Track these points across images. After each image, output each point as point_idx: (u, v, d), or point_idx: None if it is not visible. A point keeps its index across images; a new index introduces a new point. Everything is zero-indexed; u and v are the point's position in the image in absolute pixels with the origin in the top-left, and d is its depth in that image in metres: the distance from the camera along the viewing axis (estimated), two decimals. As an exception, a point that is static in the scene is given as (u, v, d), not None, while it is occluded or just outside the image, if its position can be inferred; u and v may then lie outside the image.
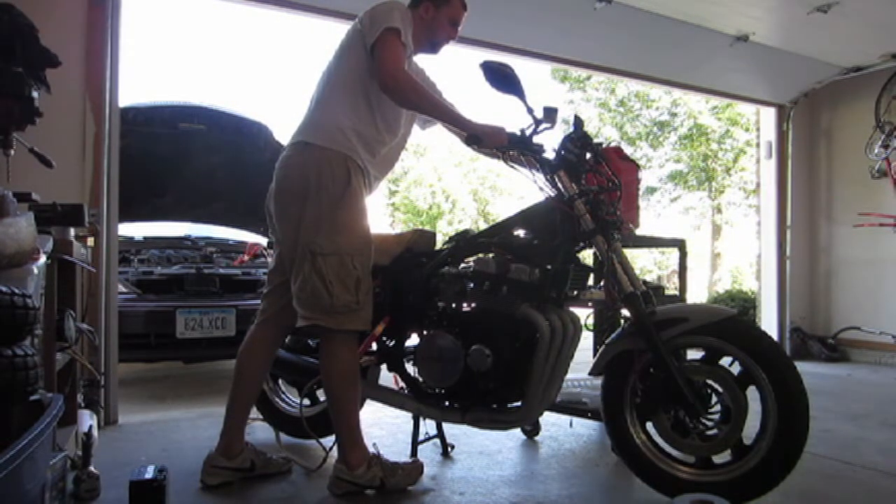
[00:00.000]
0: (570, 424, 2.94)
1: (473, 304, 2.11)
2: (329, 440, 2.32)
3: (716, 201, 15.43)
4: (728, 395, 1.85)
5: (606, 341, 2.04)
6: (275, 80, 33.56)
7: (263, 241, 4.65)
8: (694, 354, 1.99)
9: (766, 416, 1.80)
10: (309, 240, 2.00)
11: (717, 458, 1.91)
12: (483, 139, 2.01)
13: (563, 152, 2.03)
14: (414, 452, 2.38)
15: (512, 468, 2.39)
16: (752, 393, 1.84)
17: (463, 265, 2.19)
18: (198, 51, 33.74)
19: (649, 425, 1.98)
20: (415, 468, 2.14)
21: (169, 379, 4.68)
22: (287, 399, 2.74)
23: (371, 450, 2.10)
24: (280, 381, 2.76)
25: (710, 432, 1.88)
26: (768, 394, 1.79)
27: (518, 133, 2.03)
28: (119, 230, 3.28)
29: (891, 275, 5.25)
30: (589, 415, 2.56)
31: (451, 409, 2.14)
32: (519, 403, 2.04)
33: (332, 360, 2.06)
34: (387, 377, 2.32)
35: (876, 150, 5.18)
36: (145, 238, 4.59)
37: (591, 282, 2.39)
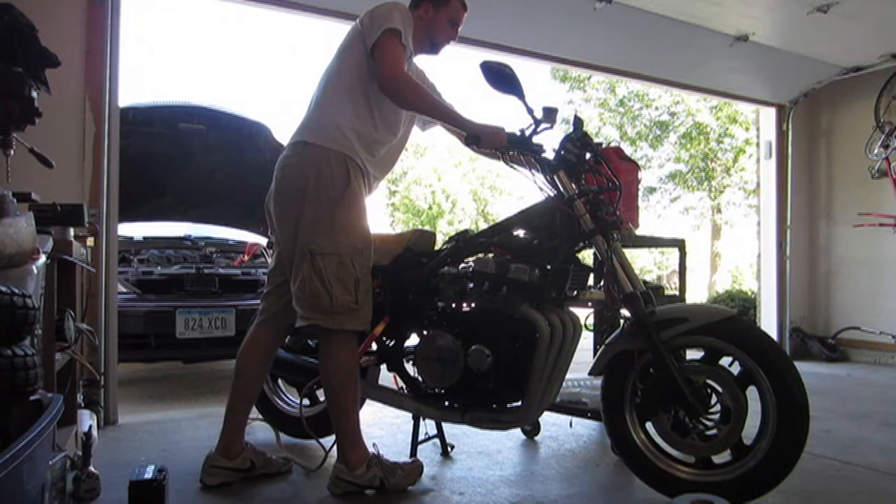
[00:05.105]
0: (570, 424, 2.94)
1: (473, 304, 2.11)
2: (329, 440, 2.32)
3: (716, 201, 15.41)
4: (728, 395, 1.85)
5: (606, 341, 2.04)
6: (275, 80, 33.61)
7: (263, 241, 4.65)
8: (694, 354, 1.99)
9: (766, 416, 1.80)
10: (308, 240, 2.00)
11: (717, 458, 1.91)
12: (482, 139, 2.01)
13: (562, 152, 2.03)
14: (414, 452, 2.38)
15: (512, 468, 2.39)
16: (752, 393, 1.84)
17: (463, 265, 2.19)
18: (198, 51, 33.80)
19: (649, 425, 1.98)
20: (414, 468, 2.14)
21: (169, 379, 4.68)
22: (287, 399, 2.74)
23: (371, 450, 2.09)
24: (280, 381, 2.76)
25: (709, 432, 1.88)
26: (768, 394, 1.79)
27: (518, 133, 2.03)
28: (119, 230, 3.28)
29: (891, 275, 5.24)
30: (589, 415, 2.56)
31: (450, 409, 2.14)
32: (519, 403, 2.04)
33: (331, 360, 2.06)
34: (386, 377, 2.32)
35: (876, 150, 5.18)
36: (145, 238, 4.60)
37: (591, 282, 2.39)
